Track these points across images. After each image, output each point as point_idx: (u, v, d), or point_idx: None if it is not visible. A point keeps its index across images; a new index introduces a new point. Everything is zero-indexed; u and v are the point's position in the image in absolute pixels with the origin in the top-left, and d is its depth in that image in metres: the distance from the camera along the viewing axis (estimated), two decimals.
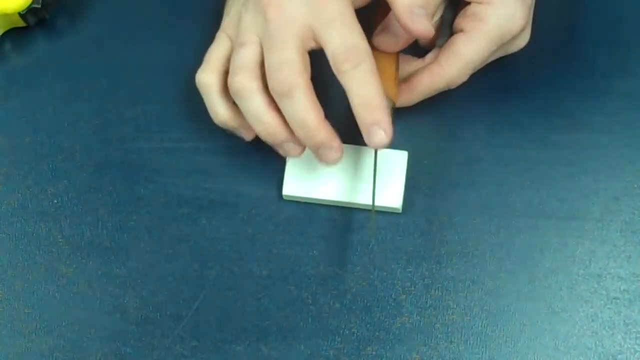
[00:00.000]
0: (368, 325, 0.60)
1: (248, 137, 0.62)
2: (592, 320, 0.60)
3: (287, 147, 0.59)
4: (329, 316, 0.60)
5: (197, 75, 0.62)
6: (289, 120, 0.58)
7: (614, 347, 0.59)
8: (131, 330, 0.61)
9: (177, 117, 0.65)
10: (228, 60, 0.60)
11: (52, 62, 0.69)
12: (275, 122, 0.58)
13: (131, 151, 0.66)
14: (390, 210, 0.62)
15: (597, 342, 0.59)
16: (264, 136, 0.59)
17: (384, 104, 0.57)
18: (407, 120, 0.63)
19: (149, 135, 0.66)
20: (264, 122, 0.58)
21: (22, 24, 0.69)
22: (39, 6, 0.67)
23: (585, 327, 0.59)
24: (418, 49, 0.65)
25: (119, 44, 0.69)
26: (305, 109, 0.57)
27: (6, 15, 0.67)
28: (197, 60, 0.63)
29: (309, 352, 0.60)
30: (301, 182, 0.63)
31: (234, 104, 0.61)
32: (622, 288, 0.60)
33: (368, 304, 0.61)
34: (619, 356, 0.59)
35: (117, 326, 0.61)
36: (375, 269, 0.61)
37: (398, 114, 0.62)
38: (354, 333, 0.60)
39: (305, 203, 0.63)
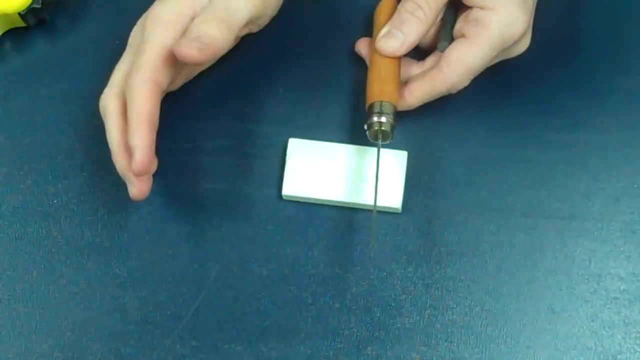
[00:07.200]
0: (368, 325, 0.60)
1: (132, 192, 0.60)
2: (592, 320, 0.60)
3: (127, 183, 0.59)
4: (329, 316, 0.60)
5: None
6: None
7: (614, 347, 0.59)
8: (131, 330, 0.61)
9: (177, 117, 0.65)
10: None
11: (52, 62, 0.69)
12: (116, 148, 0.59)
13: None
14: (390, 210, 0.62)
15: (597, 342, 0.59)
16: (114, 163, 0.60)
17: None
18: (407, 120, 0.63)
19: None
20: (109, 142, 0.60)
21: (22, 24, 0.69)
22: (39, 6, 0.67)
23: (585, 327, 0.59)
24: (418, 52, 0.65)
25: (119, 44, 0.69)
26: (108, 132, 0.59)
27: (6, 15, 0.67)
28: None
29: (309, 352, 0.59)
30: (301, 182, 0.63)
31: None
32: (622, 288, 0.60)
33: (368, 304, 0.60)
34: (619, 356, 0.59)
35: (117, 326, 0.61)
36: (375, 269, 0.61)
37: (398, 113, 0.62)
38: (354, 333, 0.60)
39: (305, 203, 0.63)
